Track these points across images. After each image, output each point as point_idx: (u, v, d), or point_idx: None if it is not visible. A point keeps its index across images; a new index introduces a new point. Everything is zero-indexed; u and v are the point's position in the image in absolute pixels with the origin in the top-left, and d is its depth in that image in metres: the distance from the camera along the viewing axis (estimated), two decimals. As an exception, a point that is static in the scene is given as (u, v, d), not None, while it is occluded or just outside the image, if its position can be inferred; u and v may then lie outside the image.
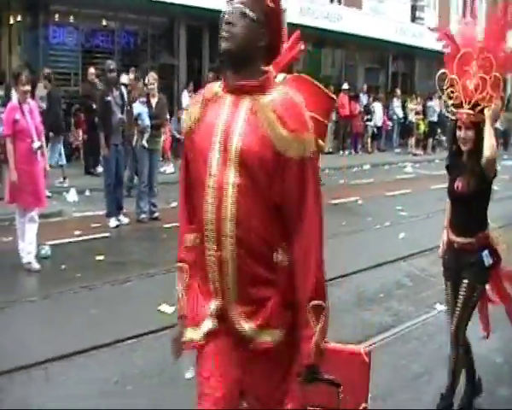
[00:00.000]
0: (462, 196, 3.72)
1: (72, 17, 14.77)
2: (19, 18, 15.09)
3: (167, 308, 5.36)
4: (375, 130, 20.08)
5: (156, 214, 9.34)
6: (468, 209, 3.73)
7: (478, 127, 3.61)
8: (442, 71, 3.85)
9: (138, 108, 9.41)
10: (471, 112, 3.62)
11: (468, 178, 3.66)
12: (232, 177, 2.02)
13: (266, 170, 2.01)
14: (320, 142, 4.35)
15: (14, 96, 7.63)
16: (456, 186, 3.75)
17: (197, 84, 14.77)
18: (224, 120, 2.07)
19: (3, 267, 6.74)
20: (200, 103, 2.17)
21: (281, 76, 5.11)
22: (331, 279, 6.49)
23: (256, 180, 2.02)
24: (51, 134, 11.29)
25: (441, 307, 5.87)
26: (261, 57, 2.12)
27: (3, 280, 6.39)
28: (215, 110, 2.12)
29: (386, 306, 6.05)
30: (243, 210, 2.01)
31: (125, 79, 12.62)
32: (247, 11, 2.03)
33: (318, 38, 19.79)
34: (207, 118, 2.12)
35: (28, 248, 6.67)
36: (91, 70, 12.72)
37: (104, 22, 15.31)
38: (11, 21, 15.52)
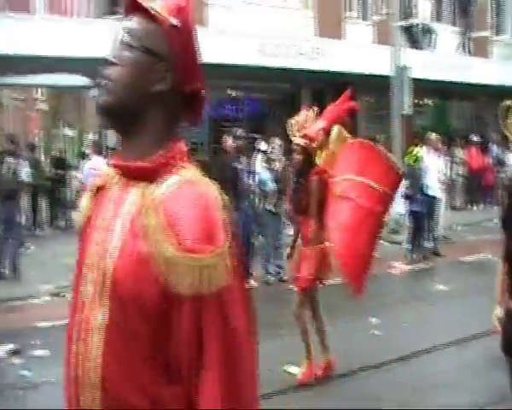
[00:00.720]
0: None
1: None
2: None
3: (293, 369, 5.47)
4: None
5: (283, 276, 9.44)
6: None
7: None
8: None
9: (264, 173, 9.78)
10: None
11: None
12: (100, 317, 1.30)
13: (145, 310, 1.26)
14: (384, 218, 4.68)
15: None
16: None
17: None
18: (101, 225, 1.36)
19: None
20: (91, 192, 1.47)
21: (334, 130, 5.35)
22: (461, 340, 6.35)
23: (133, 324, 1.27)
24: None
25: None
26: (162, 112, 1.35)
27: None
28: (100, 205, 1.41)
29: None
30: (113, 371, 1.28)
31: (263, 146, 12.86)
32: (131, 41, 1.34)
33: (444, 91, 19.54)
34: (92, 218, 1.42)
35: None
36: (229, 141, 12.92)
37: (230, 92, 16.17)
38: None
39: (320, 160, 5.31)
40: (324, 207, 5.02)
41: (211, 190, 1.30)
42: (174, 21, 1.33)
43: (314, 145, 5.19)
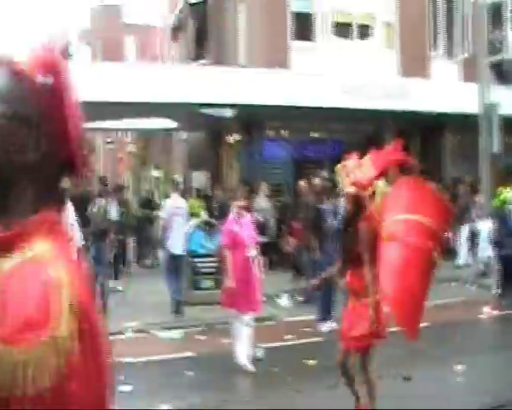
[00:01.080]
0: None
1: (283, 131, 15.94)
2: (236, 137, 16.70)
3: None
4: None
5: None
6: None
7: None
8: None
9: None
10: None
11: None
12: None
13: None
14: (435, 254, 4.40)
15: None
16: None
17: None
18: None
19: (222, 368, 7.22)
20: None
21: (380, 183, 5.07)
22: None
23: None
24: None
25: None
26: (32, 181, 1.14)
27: (220, 380, 6.85)
28: None
29: None
30: None
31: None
32: None
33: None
34: None
35: (244, 351, 7.09)
36: (301, 183, 13.07)
37: (313, 134, 16.25)
38: (230, 140, 17.23)
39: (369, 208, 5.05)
40: (376, 256, 4.66)
41: (55, 269, 1.04)
42: (44, 79, 1.11)
43: (365, 194, 4.94)
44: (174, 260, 10.03)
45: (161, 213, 10.91)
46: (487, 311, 9.80)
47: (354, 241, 4.95)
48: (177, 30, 24.40)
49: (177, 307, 10.00)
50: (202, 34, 20.81)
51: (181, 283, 10.23)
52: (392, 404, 5.67)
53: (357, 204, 4.95)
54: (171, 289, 10.06)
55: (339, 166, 5.16)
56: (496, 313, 9.91)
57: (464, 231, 15.06)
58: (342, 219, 5.46)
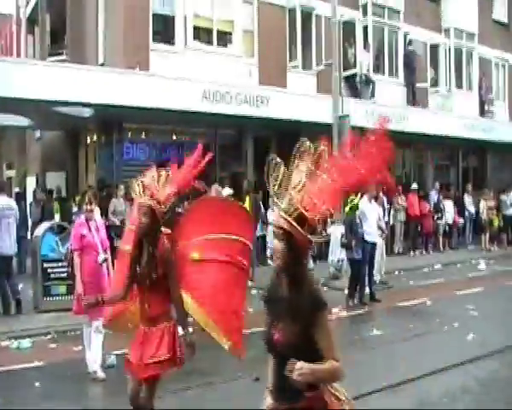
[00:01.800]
0: None
1: (143, 133, 15.76)
2: (94, 138, 16.27)
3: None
4: (447, 228, 19.76)
5: None
6: None
7: None
8: None
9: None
10: None
11: None
12: None
13: None
14: (244, 264, 4.81)
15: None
16: None
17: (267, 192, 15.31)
18: None
19: (72, 376, 7.00)
20: None
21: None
22: (392, 386, 6.42)
23: None
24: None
25: (510, 413, 5.65)
26: None
27: (71, 389, 6.63)
28: None
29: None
30: None
31: (227, 191, 13.08)
32: None
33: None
34: None
35: (94, 358, 6.92)
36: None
37: (174, 136, 16.21)
38: (88, 141, 16.74)
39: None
40: (177, 278, 4.60)
41: None
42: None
43: (163, 209, 4.54)
44: (4, 260, 10.15)
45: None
46: (336, 311, 10.31)
47: (153, 261, 4.53)
48: (32, 22, 23.27)
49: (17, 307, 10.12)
50: (59, 29, 20.03)
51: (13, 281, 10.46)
52: (245, 403, 5.81)
53: (153, 218, 4.49)
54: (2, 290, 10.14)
55: (134, 180, 4.69)
56: (344, 313, 10.48)
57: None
58: (136, 234, 4.67)
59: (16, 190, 18.25)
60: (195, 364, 7.59)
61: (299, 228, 2.76)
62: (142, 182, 4.59)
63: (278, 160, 2.98)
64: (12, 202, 11.04)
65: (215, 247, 4.70)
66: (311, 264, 13.92)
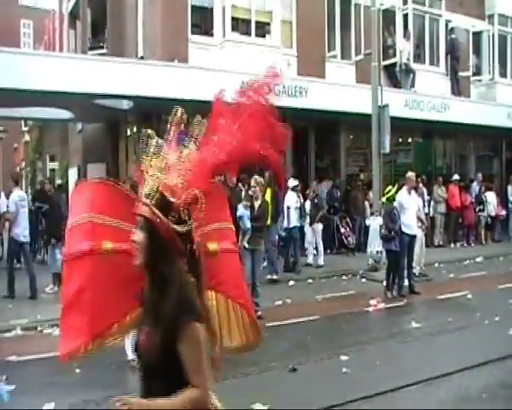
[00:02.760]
0: None
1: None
2: (134, 129, 16.46)
3: (261, 407, 5.44)
4: (489, 220, 19.35)
5: (259, 313, 9.32)
6: None
7: None
8: None
9: (240, 210, 9.84)
10: None
11: None
12: None
13: None
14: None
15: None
16: None
17: (305, 184, 15.36)
18: None
19: (111, 363, 7.12)
20: None
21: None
22: (431, 379, 6.35)
23: None
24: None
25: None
26: None
27: (107, 376, 6.76)
28: None
29: (488, 407, 5.74)
30: None
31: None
32: None
33: (425, 129, 19.82)
34: None
35: (131, 345, 7.01)
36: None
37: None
38: (127, 133, 16.94)
39: None
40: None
41: None
42: None
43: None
44: (17, 245, 11.15)
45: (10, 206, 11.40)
46: (374, 303, 10.24)
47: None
48: (74, 17, 23.66)
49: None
50: (100, 23, 20.30)
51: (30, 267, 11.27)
52: (280, 394, 5.83)
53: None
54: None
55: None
56: (382, 305, 10.39)
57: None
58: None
59: (58, 181, 18.58)
60: (228, 355, 7.71)
61: (160, 215, 2.33)
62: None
63: (150, 132, 2.54)
64: (24, 195, 12.28)
65: (224, 235, 3.76)
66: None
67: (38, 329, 8.89)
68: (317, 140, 17.83)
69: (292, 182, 13.81)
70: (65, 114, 17.68)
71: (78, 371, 6.86)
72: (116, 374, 6.85)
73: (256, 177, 10.31)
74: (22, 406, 5.87)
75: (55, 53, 22.97)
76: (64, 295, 3.08)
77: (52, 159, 30.24)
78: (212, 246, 3.37)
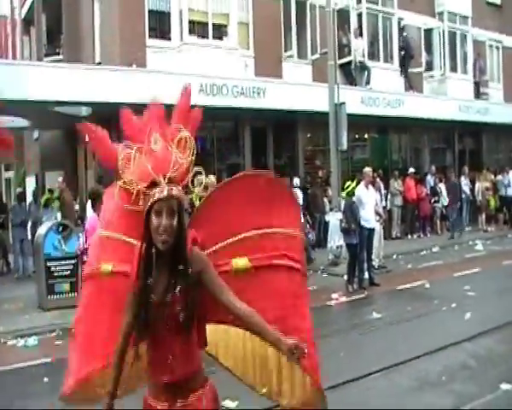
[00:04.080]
0: None
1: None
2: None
3: (230, 403, 5.57)
4: (444, 211, 19.92)
5: None
6: None
7: None
8: None
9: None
10: None
11: None
12: None
13: None
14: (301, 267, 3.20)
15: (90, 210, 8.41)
16: None
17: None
18: None
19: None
20: None
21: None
22: (392, 366, 6.61)
23: None
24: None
25: (507, 387, 5.83)
26: None
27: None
28: None
29: (448, 388, 6.01)
30: None
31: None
32: None
33: (382, 126, 20.26)
34: None
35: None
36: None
37: (173, 131, 16.35)
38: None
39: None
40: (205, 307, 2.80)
41: None
42: None
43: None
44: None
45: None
46: (336, 297, 10.50)
47: (180, 289, 2.66)
48: (28, 23, 23.34)
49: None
50: (55, 29, 20.12)
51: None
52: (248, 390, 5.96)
53: (181, 215, 2.65)
54: None
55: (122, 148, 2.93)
56: (344, 298, 10.66)
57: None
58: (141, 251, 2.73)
59: (19, 189, 18.38)
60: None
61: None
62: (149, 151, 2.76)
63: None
64: None
65: (260, 246, 2.99)
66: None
67: (2, 341, 8.84)
68: (276, 139, 18.06)
69: (297, 180, 15.05)
70: (21, 123, 17.44)
71: (46, 379, 6.91)
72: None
73: (210, 176, 10.37)
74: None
75: (9, 60, 22.65)
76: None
77: (7, 168, 29.72)
78: (241, 262, 2.92)
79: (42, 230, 10.82)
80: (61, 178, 15.24)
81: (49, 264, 10.39)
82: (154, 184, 2.63)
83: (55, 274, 10.42)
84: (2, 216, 13.91)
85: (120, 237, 2.95)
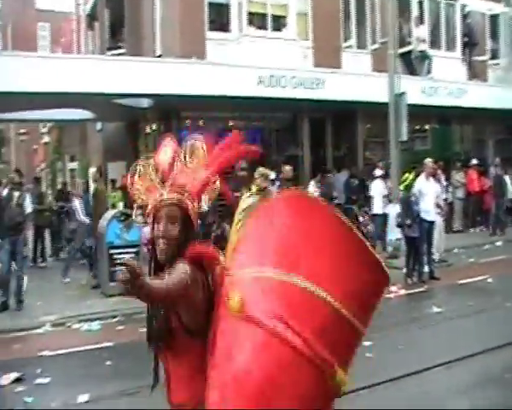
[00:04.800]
0: None
1: (201, 121, 16.07)
2: (154, 127, 16.70)
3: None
4: (510, 204, 19.24)
5: None
6: None
7: None
8: None
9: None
10: None
11: None
12: None
13: None
14: (331, 370, 2.27)
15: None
16: None
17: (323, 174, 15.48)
18: None
19: (140, 356, 7.31)
20: None
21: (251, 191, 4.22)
22: (453, 361, 6.48)
23: None
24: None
25: None
26: None
27: (138, 368, 6.95)
28: None
29: (512, 386, 5.87)
30: None
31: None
32: None
33: (444, 116, 19.79)
34: None
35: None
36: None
37: (231, 123, 16.46)
38: (147, 131, 17.19)
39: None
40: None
41: None
42: None
43: (195, 205, 2.55)
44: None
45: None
46: (395, 290, 10.36)
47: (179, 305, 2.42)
48: (92, 18, 23.96)
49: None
50: (118, 24, 20.55)
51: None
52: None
53: (186, 224, 2.50)
54: None
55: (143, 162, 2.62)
56: (403, 291, 10.51)
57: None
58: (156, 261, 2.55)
59: (83, 180, 18.90)
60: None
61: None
62: (156, 162, 2.61)
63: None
64: None
65: (284, 302, 2.27)
66: None
67: (67, 325, 9.15)
68: (335, 130, 17.93)
69: (379, 171, 14.82)
70: (84, 114, 17.96)
71: (108, 363, 7.11)
72: (147, 365, 7.04)
73: (261, 169, 10.23)
74: (58, 397, 6.11)
75: (74, 55, 23.32)
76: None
77: (72, 159, 30.64)
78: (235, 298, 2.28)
79: (105, 218, 11.10)
80: (94, 169, 15.58)
81: (111, 251, 10.68)
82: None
83: (117, 262, 10.69)
84: (68, 205, 14.33)
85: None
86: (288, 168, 11.47)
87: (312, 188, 15.30)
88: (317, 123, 17.46)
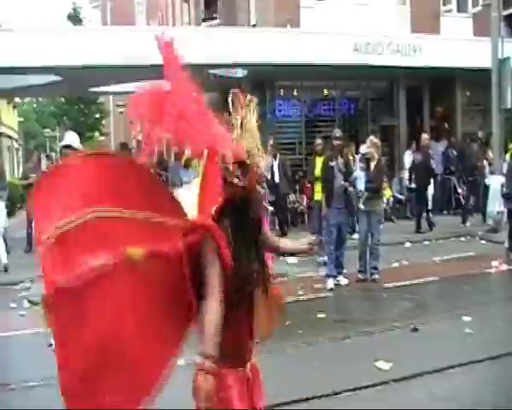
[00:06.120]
0: None
1: (295, 90, 15.97)
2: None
3: (384, 365, 5.54)
4: None
5: (375, 277, 9.20)
6: None
7: None
8: None
9: (356, 172, 9.85)
10: None
11: None
12: None
13: None
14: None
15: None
16: None
17: (418, 143, 15.05)
18: None
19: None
20: None
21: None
22: None
23: None
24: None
25: None
26: None
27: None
28: None
29: None
30: None
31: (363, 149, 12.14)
32: None
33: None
34: None
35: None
36: (318, 141, 11.80)
37: (325, 92, 16.26)
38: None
39: None
40: None
41: None
42: None
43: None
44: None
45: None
46: (496, 265, 9.96)
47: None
48: (187, -9, 24.24)
49: None
50: (213, -6, 20.71)
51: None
52: (402, 353, 5.91)
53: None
54: None
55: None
56: (505, 267, 10.07)
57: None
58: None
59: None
60: (349, 315, 7.84)
61: None
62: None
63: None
64: None
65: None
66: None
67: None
68: (432, 98, 17.34)
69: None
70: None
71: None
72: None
73: (372, 137, 10.12)
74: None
75: (169, 27, 23.72)
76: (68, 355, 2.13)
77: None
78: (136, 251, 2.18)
79: (182, 190, 11.27)
80: None
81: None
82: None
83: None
84: (165, 174, 14.67)
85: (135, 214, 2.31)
86: (374, 139, 10.54)
87: (408, 158, 14.95)
88: (413, 91, 16.94)
